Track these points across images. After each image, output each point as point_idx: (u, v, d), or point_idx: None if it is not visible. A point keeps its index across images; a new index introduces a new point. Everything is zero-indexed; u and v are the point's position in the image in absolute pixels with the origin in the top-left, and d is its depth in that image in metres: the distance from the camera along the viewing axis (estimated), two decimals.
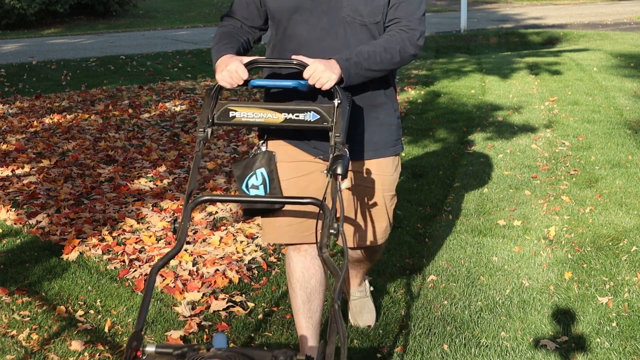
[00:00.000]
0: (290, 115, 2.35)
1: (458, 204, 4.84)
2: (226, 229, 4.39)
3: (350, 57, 2.44)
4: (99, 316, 3.38)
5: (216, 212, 4.66)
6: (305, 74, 2.37)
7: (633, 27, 16.27)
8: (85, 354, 3.04)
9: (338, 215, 2.36)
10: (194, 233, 4.34)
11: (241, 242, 4.20)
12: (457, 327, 3.25)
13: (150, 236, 4.25)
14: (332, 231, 2.04)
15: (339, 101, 2.33)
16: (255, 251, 4.07)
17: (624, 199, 4.85)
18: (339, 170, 2.13)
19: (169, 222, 4.48)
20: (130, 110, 7.84)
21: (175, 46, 13.61)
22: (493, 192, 5.04)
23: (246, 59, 2.44)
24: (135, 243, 4.18)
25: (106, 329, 3.25)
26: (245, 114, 2.37)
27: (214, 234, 4.29)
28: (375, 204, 2.74)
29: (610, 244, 4.13)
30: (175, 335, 3.16)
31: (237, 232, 4.33)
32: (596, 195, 4.93)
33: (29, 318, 3.34)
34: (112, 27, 17.69)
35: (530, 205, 4.78)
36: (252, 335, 3.21)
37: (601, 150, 6.02)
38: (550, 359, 3.00)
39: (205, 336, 3.18)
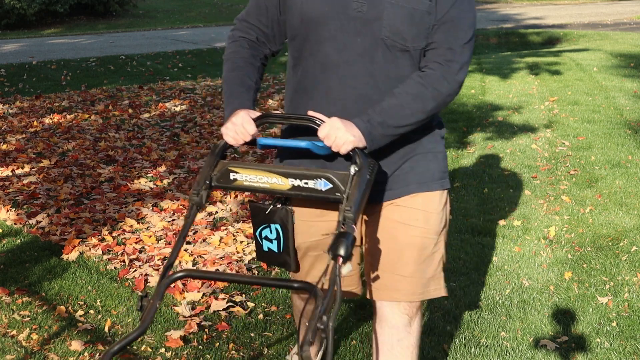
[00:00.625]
0: (298, 182, 2.00)
1: (458, 204, 4.84)
2: (226, 229, 4.39)
3: (371, 116, 2.03)
4: (99, 316, 3.38)
5: (216, 212, 4.67)
6: (320, 133, 2.02)
7: (633, 27, 16.27)
8: (85, 354, 3.04)
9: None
10: (194, 233, 4.34)
11: (241, 242, 4.20)
12: (457, 327, 3.25)
13: (150, 236, 4.25)
14: (320, 325, 1.69)
15: (357, 168, 1.95)
16: (255, 251, 4.07)
17: (624, 199, 4.85)
18: (341, 252, 1.80)
19: (169, 222, 4.48)
20: (130, 110, 7.84)
21: (175, 46, 13.61)
22: (493, 192, 5.04)
23: (255, 114, 2.10)
24: (135, 243, 4.18)
25: (106, 329, 3.25)
26: (248, 177, 2.04)
27: (214, 234, 4.29)
28: (414, 246, 2.22)
29: (610, 244, 4.13)
30: (175, 335, 3.16)
31: (237, 232, 4.33)
32: (596, 195, 4.93)
33: (29, 318, 3.34)
34: (112, 27, 17.69)
35: (530, 205, 4.78)
36: (252, 335, 3.21)
37: (601, 150, 6.02)
38: (550, 359, 3.00)
39: (205, 336, 3.18)
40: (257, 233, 2.27)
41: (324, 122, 2.03)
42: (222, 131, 2.10)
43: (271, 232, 2.24)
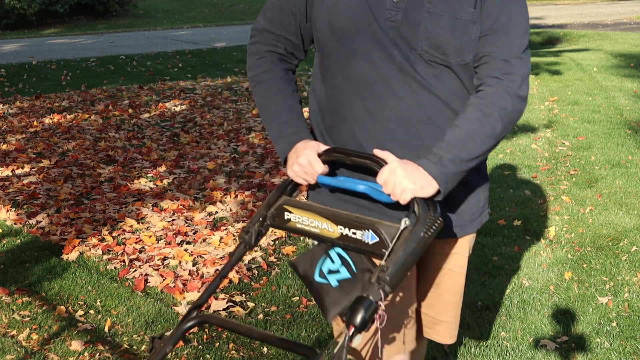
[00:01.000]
0: (346, 231, 1.72)
1: None
2: (226, 229, 4.39)
3: (441, 155, 1.73)
4: (99, 316, 3.38)
5: (216, 212, 4.67)
6: (379, 179, 1.73)
7: (633, 27, 16.27)
8: (85, 354, 3.04)
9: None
10: (194, 233, 4.34)
11: None
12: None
13: (150, 236, 4.25)
14: None
15: (408, 225, 1.64)
16: (255, 251, 4.07)
17: (624, 199, 4.85)
18: (356, 320, 1.54)
19: (169, 221, 4.48)
20: (130, 110, 7.84)
21: (175, 46, 13.61)
22: (493, 192, 5.04)
23: (321, 148, 1.85)
24: (135, 243, 4.18)
25: (106, 329, 3.25)
26: (300, 218, 1.80)
27: (214, 234, 4.29)
28: (455, 292, 2.11)
29: (610, 244, 4.13)
30: None
31: (237, 232, 4.33)
32: (596, 195, 4.93)
33: (29, 318, 3.34)
34: (112, 27, 17.70)
35: (530, 205, 4.78)
36: None
37: (601, 150, 6.02)
38: (550, 359, 3.00)
39: (205, 336, 3.18)
40: (317, 276, 1.81)
41: (386, 163, 1.73)
42: (290, 174, 1.86)
43: (333, 262, 1.82)
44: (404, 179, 1.70)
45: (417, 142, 1.84)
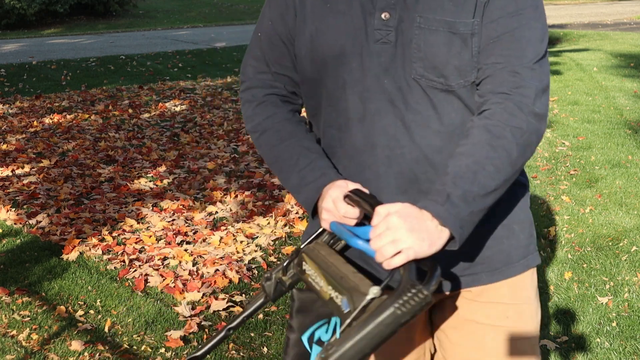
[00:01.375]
0: (333, 294, 1.39)
1: None
2: (226, 229, 4.39)
3: (448, 192, 1.35)
4: (99, 316, 3.38)
5: (216, 212, 4.67)
6: (372, 233, 1.34)
7: (633, 27, 16.27)
8: (85, 354, 3.04)
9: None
10: (194, 233, 4.34)
11: (241, 242, 4.20)
12: None
13: (150, 236, 4.25)
14: None
15: (376, 294, 1.27)
16: (255, 251, 4.08)
17: (624, 199, 4.85)
18: None
19: (169, 222, 4.48)
20: (130, 110, 7.84)
21: (175, 46, 13.61)
22: None
23: (350, 186, 1.48)
24: (135, 243, 4.18)
25: (106, 329, 3.25)
26: (311, 271, 1.49)
27: (214, 234, 4.29)
28: (506, 355, 1.61)
29: (610, 244, 4.13)
30: (175, 335, 3.16)
31: (237, 232, 4.33)
32: (596, 195, 4.93)
33: (29, 318, 3.34)
34: (112, 27, 17.70)
35: (530, 205, 4.78)
36: (252, 335, 3.21)
37: (601, 150, 6.02)
38: (550, 359, 3.00)
39: (205, 336, 3.18)
40: (306, 337, 1.51)
41: (378, 212, 1.34)
42: (324, 225, 1.50)
43: (326, 331, 1.50)
44: (400, 231, 1.28)
45: (413, 187, 1.51)
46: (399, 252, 1.28)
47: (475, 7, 1.45)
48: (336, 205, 1.45)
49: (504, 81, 1.43)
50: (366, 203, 1.40)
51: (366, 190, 1.46)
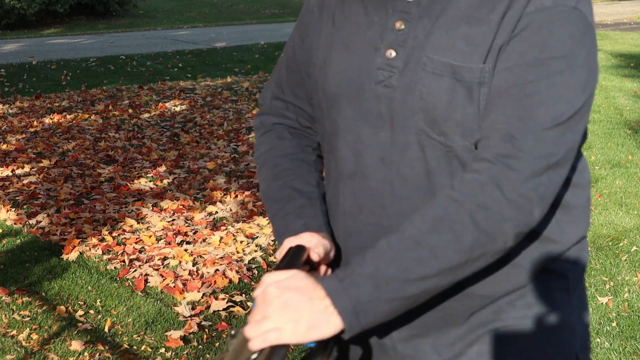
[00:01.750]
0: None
1: None
2: (226, 229, 4.39)
3: (355, 269, 1.09)
4: (99, 316, 3.38)
5: (216, 212, 4.67)
6: (253, 307, 1.12)
7: (633, 27, 16.27)
8: (85, 354, 3.04)
9: None
10: (194, 233, 4.34)
11: (241, 242, 4.20)
12: None
13: (150, 236, 4.25)
14: None
15: None
16: (255, 251, 4.08)
17: (624, 199, 4.85)
18: None
19: (169, 222, 4.48)
20: (130, 110, 7.84)
21: (175, 46, 13.61)
22: None
23: (321, 242, 1.28)
24: (135, 243, 4.18)
25: (106, 329, 3.25)
26: None
27: (214, 234, 4.29)
28: None
29: (610, 244, 4.13)
30: (175, 335, 3.16)
31: (237, 232, 4.33)
32: (596, 195, 4.93)
33: (29, 318, 3.34)
34: (112, 27, 17.70)
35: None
36: None
37: (601, 150, 6.02)
38: None
39: (205, 336, 3.18)
40: None
41: (263, 282, 1.11)
42: None
43: None
44: (270, 307, 1.05)
45: None
46: (267, 332, 1.02)
47: (489, 49, 1.13)
48: (278, 258, 1.25)
49: (493, 146, 1.11)
50: (284, 263, 1.19)
51: (320, 250, 1.25)
